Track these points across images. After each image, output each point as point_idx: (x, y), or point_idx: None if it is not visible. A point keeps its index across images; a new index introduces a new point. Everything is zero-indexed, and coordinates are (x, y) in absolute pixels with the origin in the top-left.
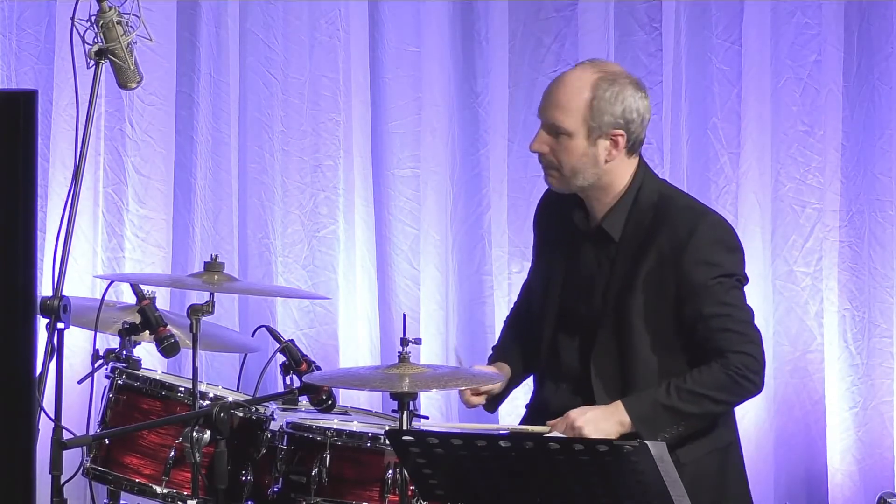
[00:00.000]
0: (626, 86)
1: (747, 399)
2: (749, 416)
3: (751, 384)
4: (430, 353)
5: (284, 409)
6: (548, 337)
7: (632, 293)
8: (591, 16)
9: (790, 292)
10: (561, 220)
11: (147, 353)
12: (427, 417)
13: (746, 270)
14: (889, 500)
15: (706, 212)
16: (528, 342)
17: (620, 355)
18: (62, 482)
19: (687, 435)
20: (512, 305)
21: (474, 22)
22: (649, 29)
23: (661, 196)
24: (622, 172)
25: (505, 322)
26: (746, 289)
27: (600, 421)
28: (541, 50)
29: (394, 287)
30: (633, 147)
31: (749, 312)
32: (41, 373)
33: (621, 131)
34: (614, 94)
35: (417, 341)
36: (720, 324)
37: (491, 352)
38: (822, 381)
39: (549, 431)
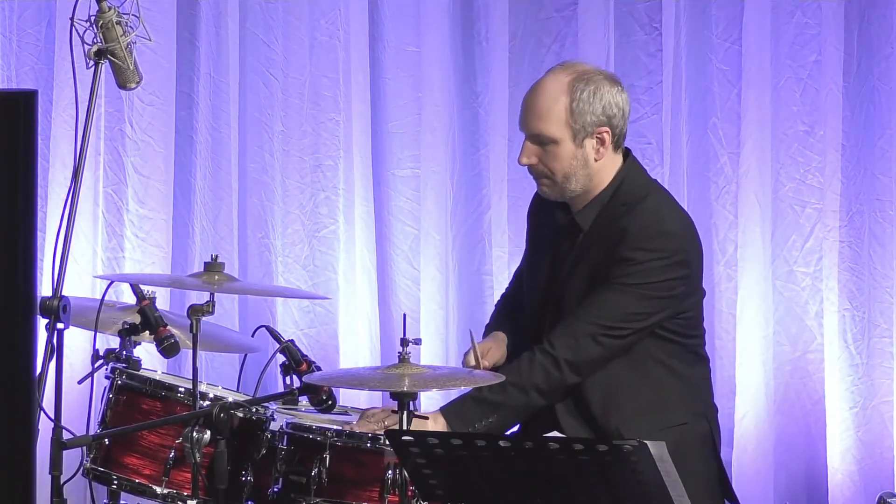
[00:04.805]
0: (601, 82)
1: (562, 388)
2: (749, 416)
3: (553, 379)
4: (430, 354)
5: (284, 410)
6: (535, 325)
7: (571, 278)
8: (591, 16)
9: (790, 292)
10: (551, 215)
11: (147, 353)
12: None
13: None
14: (889, 500)
15: (663, 218)
16: (517, 324)
17: None
18: (62, 482)
19: (631, 411)
20: (504, 290)
21: (474, 22)
22: (649, 29)
23: (638, 194)
24: (609, 169)
25: (496, 305)
26: (746, 288)
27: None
28: (541, 50)
29: (394, 287)
30: (618, 142)
31: (624, 321)
32: (41, 373)
33: (606, 128)
34: (591, 92)
35: (417, 342)
36: (569, 322)
37: (484, 329)
38: (822, 381)
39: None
